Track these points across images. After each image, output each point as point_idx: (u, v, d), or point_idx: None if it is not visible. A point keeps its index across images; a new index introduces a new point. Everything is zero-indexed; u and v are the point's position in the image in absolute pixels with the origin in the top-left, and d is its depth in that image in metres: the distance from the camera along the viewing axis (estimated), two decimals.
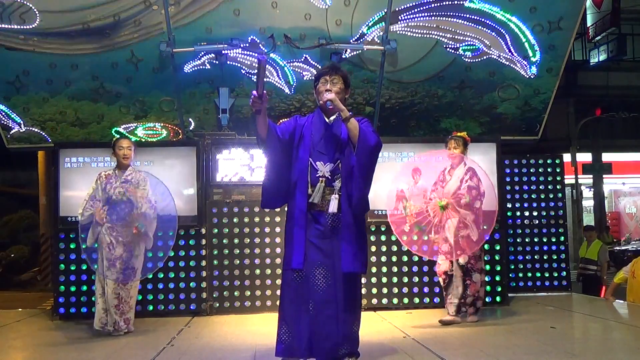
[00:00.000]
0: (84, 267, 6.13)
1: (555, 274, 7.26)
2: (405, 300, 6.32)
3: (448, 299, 5.35)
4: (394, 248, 6.37)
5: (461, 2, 6.53)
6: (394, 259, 6.35)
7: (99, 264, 5.10)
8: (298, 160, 3.53)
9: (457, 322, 5.24)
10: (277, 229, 6.31)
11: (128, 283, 5.09)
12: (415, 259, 6.34)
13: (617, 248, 16.75)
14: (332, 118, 3.60)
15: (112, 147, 5.24)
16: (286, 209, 3.66)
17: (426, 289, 6.33)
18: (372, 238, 6.33)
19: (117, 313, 5.04)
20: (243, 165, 6.48)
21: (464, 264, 5.25)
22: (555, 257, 7.28)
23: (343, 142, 3.54)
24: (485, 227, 5.26)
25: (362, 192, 3.51)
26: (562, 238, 7.33)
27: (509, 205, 7.20)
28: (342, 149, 3.53)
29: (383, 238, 6.34)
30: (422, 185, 5.34)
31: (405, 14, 6.59)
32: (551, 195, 7.35)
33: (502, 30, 6.71)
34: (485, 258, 6.44)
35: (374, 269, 6.29)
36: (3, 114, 6.79)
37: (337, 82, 3.57)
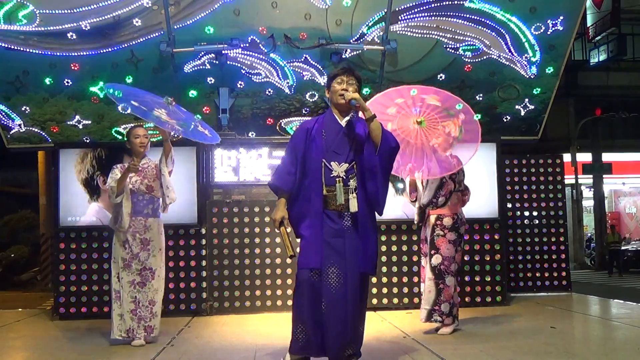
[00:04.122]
0: (84, 267, 6.13)
1: (555, 274, 7.26)
2: (405, 300, 6.32)
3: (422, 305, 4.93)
4: (394, 248, 6.37)
5: (461, 2, 6.53)
6: (394, 259, 6.35)
7: (114, 265, 4.76)
8: (310, 161, 3.53)
9: (437, 326, 4.87)
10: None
11: (145, 285, 4.70)
12: (415, 258, 6.34)
13: (625, 247, 16.75)
14: (345, 119, 3.60)
15: (126, 136, 4.96)
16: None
17: None
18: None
19: (134, 319, 4.64)
20: (243, 165, 6.47)
21: (436, 265, 4.81)
22: (555, 257, 7.28)
23: (357, 142, 3.55)
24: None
25: (386, 191, 3.58)
26: (562, 238, 7.33)
27: (509, 205, 7.21)
28: (356, 149, 3.54)
29: (383, 238, 6.34)
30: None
31: (405, 14, 6.59)
32: (551, 195, 7.36)
33: (502, 30, 6.71)
34: (486, 258, 6.45)
35: None
36: (3, 114, 6.79)
37: (353, 84, 3.58)
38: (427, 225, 4.97)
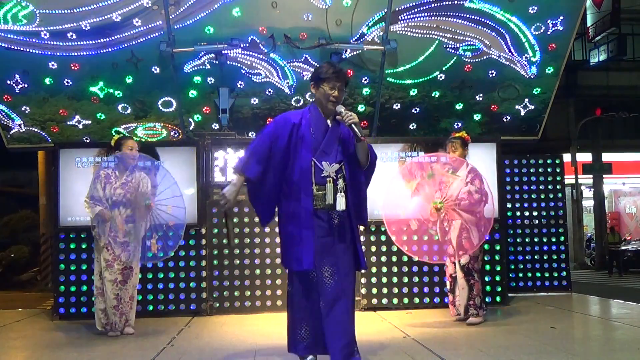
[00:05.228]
0: (84, 267, 6.13)
1: (555, 274, 7.26)
2: (405, 300, 6.32)
3: (456, 301, 5.38)
4: (394, 248, 6.35)
5: (461, 2, 6.54)
6: (394, 259, 6.35)
7: (96, 264, 5.15)
8: (299, 160, 3.49)
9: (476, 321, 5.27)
10: (277, 229, 6.28)
11: (127, 283, 5.09)
12: (416, 258, 6.33)
13: (625, 247, 16.73)
14: (331, 118, 3.59)
15: (116, 146, 5.17)
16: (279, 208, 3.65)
17: (426, 289, 6.33)
18: (372, 238, 6.33)
19: (116, 314, 5.03)
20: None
21: (464, 264, 5.25)
22: (555, 257, 7.28)
23: (344, 142, 3.55)
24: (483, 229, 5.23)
25: (366, 201, 3.67)
26: (562, 238, 7.33)
27: (509, 205, 7.20)
28: (343, 150, 3.54)
29: (383, 238, 6.33)
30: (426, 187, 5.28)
31: (405, 14, 6.60)
32: (551, 195, 7.35)
33: (502, 30, 6.72)
34: (486, 258, 6.45)
35: (374, 269, 6.29)
36: (3, 114, 6.79)
37: (343, 89, 3.57)
38: (453, 229, 5.21)
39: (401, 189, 5.27)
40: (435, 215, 5.17)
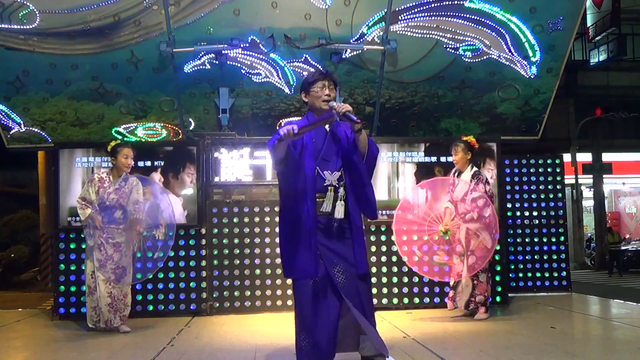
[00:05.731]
0: (84, 267, 6.12)
1: (555, 274, 7.26)
2: (405, 300, 6.32)
3: (457, 297, 5.53)
4: (394, 248, 6.35)
5: (461, 2, 6.53)
6: (394, 259, 6.35)
7: (89, 264, 5.27)
8: (304, 168, 3.48)
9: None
10: (277, 229, 6.28)
11: (120, 282, 5.20)
12: (415, 259, 6.33)
13: (625, 247, 16.71)
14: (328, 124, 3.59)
15: (112, 152, 5.27)
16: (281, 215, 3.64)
17: (426, 289, 6.33)
18: (372, 238, 6.33)
19: (111, 311, 5.18)
20: (243, 165, 6.46)
21: (472, 264, 5.37)
22: (555, 257, 7.28)
23: (342, 148, 3.54)
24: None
25: (374, 197, 3.62)
26: (562, 238, 7.33)
27: (509, 205, 7.20)
28: (341, 156, 3.54)
29: (383, 238, 6.34)
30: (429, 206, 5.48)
31: (405, 14, 6.60)
32: (551, 195, 7.36)
33: (502, 30, 6.72)
34: None
35: (374, 269, 6.29)
36: (3, 114, 6.79)
37: (333, 88, 3.57)
38: (461, 229, 5.40)
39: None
40: (444, 242, 5.46)
